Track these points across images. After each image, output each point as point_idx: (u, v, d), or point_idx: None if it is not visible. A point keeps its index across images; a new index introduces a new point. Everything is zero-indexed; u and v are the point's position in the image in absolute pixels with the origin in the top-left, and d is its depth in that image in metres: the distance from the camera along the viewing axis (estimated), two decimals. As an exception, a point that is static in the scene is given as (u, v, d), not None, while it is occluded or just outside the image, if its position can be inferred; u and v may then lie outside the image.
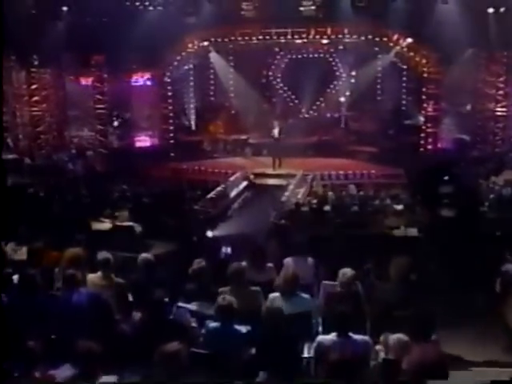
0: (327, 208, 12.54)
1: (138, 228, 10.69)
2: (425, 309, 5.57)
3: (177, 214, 12.15)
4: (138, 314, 5.34)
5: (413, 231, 10.07)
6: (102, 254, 6.45)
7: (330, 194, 14.33)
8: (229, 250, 8.83)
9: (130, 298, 6.36)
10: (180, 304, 6.00)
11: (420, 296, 6.55)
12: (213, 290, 6.16)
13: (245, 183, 16.08)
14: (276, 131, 17.62)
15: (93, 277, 6.42)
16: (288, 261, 7.34)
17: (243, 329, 5.14)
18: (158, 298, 5.17)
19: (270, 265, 7.19)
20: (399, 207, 12.74)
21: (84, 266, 6.47)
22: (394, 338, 4.87)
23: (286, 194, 14.05)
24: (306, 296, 6.10)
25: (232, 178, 15.90)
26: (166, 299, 5.32)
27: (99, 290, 6.14)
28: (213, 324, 5.20)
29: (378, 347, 5.20)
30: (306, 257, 7.38)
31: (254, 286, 6.51)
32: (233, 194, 15.02)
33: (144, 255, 6.60)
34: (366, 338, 5.08)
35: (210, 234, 10.92)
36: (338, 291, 6.05)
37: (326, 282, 6.93)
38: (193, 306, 6.01)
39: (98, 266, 6.43)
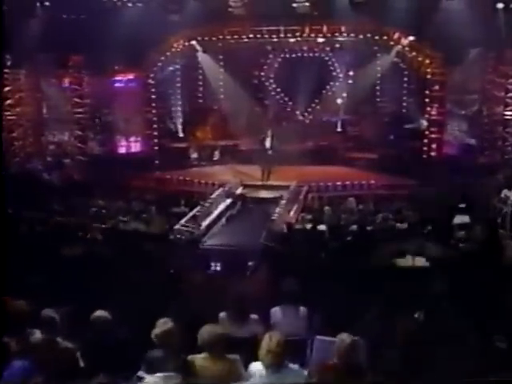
0: (323, 227, 11.51)
1: (110, 254, 9.65)
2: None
3: (155, 236, 11.16)
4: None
5: (420, 260, 8.97)
6: (46, 312, 5.35)
7: (327, 208, 13.29)
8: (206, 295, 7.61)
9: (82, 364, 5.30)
10: (141, 373, 4.97)
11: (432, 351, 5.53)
12: (182, 357, 5.09)
13: (233, 197, 14.91)
14: (268, 141, 16.39)
15: (36, 340, 5.31)
16: (275, 312, 6.28)
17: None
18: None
19: (253, 316, 6.12)
20: (403, 226, 11.75)
21: (26, 326, 5.38)
22: None
23: (278, 209, 12.96)
24: (294, 367, 5.00)
25: (219, 191, 14.79)
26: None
27: (40, 359, 5.03)
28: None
29: None
30: (297, 306, 6.30)
31: (234, 342, 5.48)
32: (219, 209, 13.89)
33: (99, 313, 5.48)
34: None
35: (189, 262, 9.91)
36: (334, 364, 4.93)
37: (321, 337, 5.88)
38: (156, 378, 4.94)
39: (40, 327, 5.33)
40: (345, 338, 4.94)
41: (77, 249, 9.30)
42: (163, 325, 5.20)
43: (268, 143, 16.31)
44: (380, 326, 6.21)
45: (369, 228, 11.44)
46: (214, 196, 14.28)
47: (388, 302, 7.39)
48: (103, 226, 11.43)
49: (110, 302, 6.11)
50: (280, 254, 9.94)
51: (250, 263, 10.50)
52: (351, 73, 20.34)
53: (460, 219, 9.87)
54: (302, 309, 6.30)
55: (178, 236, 11.76)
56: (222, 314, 6.10)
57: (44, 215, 11.89)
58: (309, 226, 11.77)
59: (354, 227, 11.44)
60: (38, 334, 5.40)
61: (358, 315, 6.50)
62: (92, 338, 5.39)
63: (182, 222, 12.26)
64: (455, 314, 7.39)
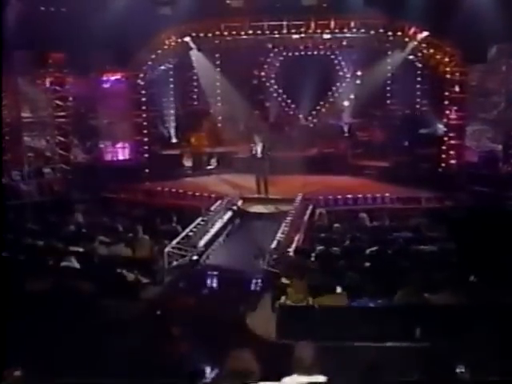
0: (336, 250, 10.16)
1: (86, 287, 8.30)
2: None
3: (141, 262, 9.83)
4: None
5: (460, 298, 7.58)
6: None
7: (337, 226, 11.94)
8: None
9: None
10: None
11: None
12: None
13: (231, 212, 13.57)
14: (258, 148, 14.92)
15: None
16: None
17: None
18: None
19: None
20: (427, 248, 10.40)
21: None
22: None
23: (283, 228, 11.58)
24: None
25: (216, 205, 13.41)
26: None
27: None
28: None
29: None
30: (314, 375, 4.92)
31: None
32: (216, 227, 12.52)
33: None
34: None
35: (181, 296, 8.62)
36: None
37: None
38: None
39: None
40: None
41: (44, 283, 8.00)
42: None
43: (258, 151, 14.82)
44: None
45: (389, 251, 10.10)
46: (210, 211, 12.89)
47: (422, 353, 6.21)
48: (80, 250, 10.05)
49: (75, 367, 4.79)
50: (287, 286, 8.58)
51: (251, 296, 9.23)
52: (359, 72, 19.40)
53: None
54: (321, 379, 4.90)
55: (169, 260, 10.43)
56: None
57: (13, 237, 10.53)
58: (318, 248, 10.43)
59: (373, 249, 10.14)
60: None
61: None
62: None
63: (174, 243, 10.89)
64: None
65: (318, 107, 20.07)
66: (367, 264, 9.46)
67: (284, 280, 8.68)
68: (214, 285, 9.95)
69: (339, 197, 14.57)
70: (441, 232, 11.10)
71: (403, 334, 7.13)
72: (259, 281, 9.70)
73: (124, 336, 6.83)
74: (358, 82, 19.40)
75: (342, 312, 7.68)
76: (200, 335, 7.16)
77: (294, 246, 10.79)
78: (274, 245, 10.67)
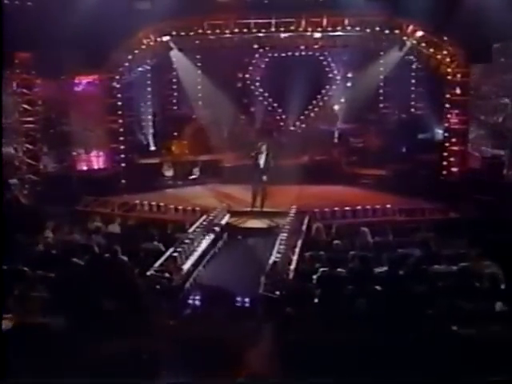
0: (341, 271, 9.25)
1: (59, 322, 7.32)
2: None
3: (120, 289, 8.81)
4: None
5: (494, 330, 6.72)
6: None
7: (337, 243, 11.01)
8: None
9: None
10: None
11: None
12: None
13: (220, 228, 12.63)
14: (262, 158, 14.04)
15: None
16: None
17: None
18: None
19: None
20: (441, 268, 9.52)
21: None
22: None
23: (280, 246, 10.62)
24: None
25: (202, 220, 12.47)
26: None
27: None
28: None
29: None
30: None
31: None
32: (203, 245, 11.54)
33: None
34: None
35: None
36: None
37: None
38: None
39: None
40: None
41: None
42: None
43: (262, 161, 13.92)
44: None
45: (401, 272, 9.21)
46: (195, 227, 11.94)
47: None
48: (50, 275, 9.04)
49: None
50: (290, 316, 7.69)
51: (247, 327, 8.29)
52: (353, 74, 19.05)
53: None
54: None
55: (152, 285, 9.43)
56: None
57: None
58: (321, 269, 9.49)
59: (382, 269, 9.26)
60: None
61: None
62: None
63: (157, 265, 9.89)
64: None
65: (307, 111, 19.56)
66: (378, 287, 8.60)
67: (286, 309, 7.78)
68: (204, 312, 9.00)
69: (336, 209, 13.74)
70: (454, 247, 10.31)
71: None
72: (256, 308, 8.79)
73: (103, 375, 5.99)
74: (353, 84, 19.00)
75: (355, 348, 6.78)
76: (188, 371, 6.30)
77: (292, 267, 9.85)
78: (270, 266, 9.73)
